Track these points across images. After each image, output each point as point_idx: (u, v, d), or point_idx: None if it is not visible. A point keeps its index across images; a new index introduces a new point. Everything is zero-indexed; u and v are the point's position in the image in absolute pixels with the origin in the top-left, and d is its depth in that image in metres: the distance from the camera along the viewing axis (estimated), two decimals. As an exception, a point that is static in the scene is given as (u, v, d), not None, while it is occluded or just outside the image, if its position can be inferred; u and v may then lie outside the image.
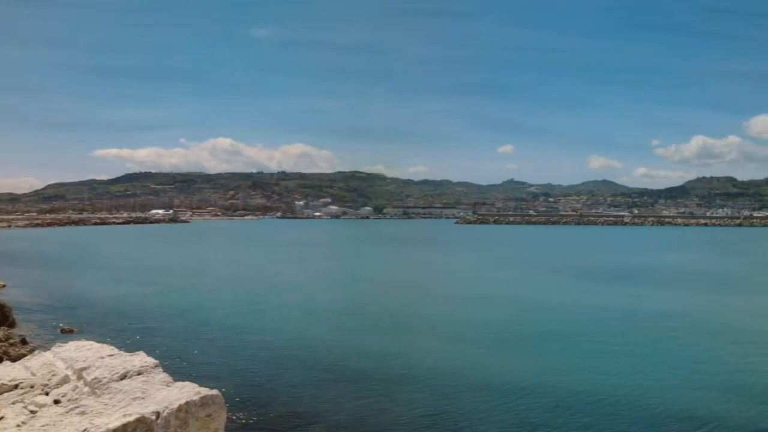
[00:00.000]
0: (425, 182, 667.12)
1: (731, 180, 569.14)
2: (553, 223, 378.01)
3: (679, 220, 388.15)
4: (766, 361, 39.65)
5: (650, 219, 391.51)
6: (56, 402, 8.92)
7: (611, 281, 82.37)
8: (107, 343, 10.90)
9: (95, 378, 9.04)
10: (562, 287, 75.32)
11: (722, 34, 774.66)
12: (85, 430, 7.84)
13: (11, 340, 40.35)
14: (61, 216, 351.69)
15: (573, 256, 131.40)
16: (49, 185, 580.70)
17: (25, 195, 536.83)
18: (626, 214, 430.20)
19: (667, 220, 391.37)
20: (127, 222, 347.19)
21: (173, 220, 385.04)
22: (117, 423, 7.86)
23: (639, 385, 33.96)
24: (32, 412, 8.69)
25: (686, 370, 37.26)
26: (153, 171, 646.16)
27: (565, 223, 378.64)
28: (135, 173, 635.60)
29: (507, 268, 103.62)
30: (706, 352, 42.07)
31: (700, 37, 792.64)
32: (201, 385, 8.84)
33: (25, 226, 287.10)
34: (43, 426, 8.17)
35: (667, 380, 34.83)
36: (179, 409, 8.15)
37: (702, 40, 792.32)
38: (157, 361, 9.74)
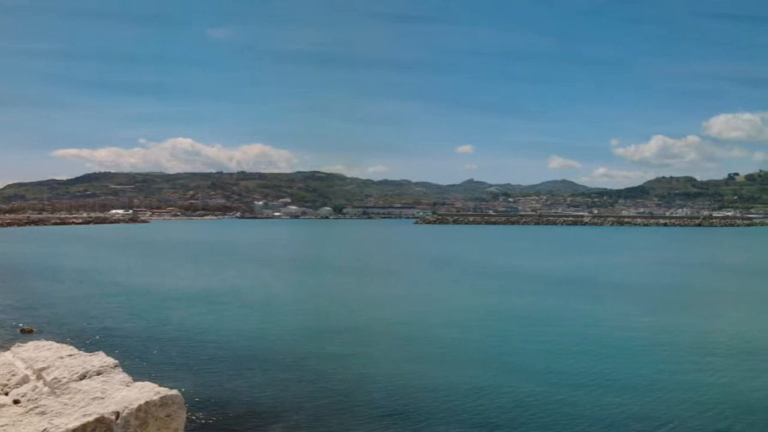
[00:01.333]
0: (385, 182, 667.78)
1: (691, 180, 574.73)
2: (513, 223, 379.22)
3: (639, 221, 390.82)
4: (725, 361, 39.99)
5: (610, 219, 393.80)
6: (16, 402, 8.93)
7: (571, 283, 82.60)
8: (67, 344, 10.93)
9: (55, 378, 9.06)
10: (521, 289, 75.41)
11: (681, 34, 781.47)
12: (44, 430, 7.87)
13: (-32, 341, 40.03)
14: (20, 216, 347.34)
15: (530, 256, 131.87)
16: (8, 185, 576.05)
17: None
18: (586, 214, 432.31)
19: (626, 220, 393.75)
20: (86, 222, 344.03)
21: (133, 220, 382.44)
22: (77, 423, 7.88)
23: (598, 385, 34.07)
24: (-9, 412, 8.69)
25: (646, 371, 37.35)
26: (113, 171, 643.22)
27: (525, 223, 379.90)
28: (95, 173, 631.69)
29: (464, 268, 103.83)
30: (666, 353, 42.30)
31: (660, 36, 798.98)
32: (161, 385, 8.91)
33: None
34: (2, 426, 8.18)
35: (626, 381, 34.97)
36: (139, 409, 8.19)
37: (662, 40, 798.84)
38: (116, 361, 9.79)
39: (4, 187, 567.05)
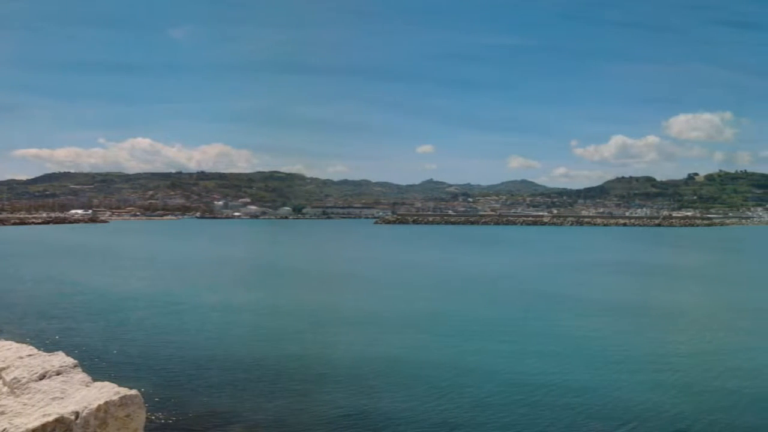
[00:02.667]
0: (344, 182, 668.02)
1: (650, 180, 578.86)
2: (473, 223, 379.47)
3: (599, 220, 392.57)
4: (684, 361, 40.29)
5: (569, 219, 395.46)
6: (-25, 402, 8.94)
7: (532, 281, 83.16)
8: (26, 344, 10.95)
9: (14, 378, 9.09)
10: (480, 290, 75.53)
11: (641, 34, 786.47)
12: (4, 430, 7.91)
13: (-75, 341, 39.64)
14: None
15: (496, 254, 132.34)
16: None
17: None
18: (545, 214, 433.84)
19: (586, 220, 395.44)
20: (46, 222, 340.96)
21: (92, 220, 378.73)
22: (36, 423, 7.92)
23: (558, 386, 34.24)
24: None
25: (607, 370, 37.69)
26: (72, 171, 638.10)
27: (484, 223, 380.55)
28: (54, 173, 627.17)
29: (425, 267, 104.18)
30: (627, 352, 42.58)
31: (620, 37, 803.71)
32: (120, 385, 8.97)
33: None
34: (-38, 426, 8.20)
35: (585, 381, 35.18)
36: (98, 409, 8.23)
37: (621, 39, 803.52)
38: (76, 361, 9.83)
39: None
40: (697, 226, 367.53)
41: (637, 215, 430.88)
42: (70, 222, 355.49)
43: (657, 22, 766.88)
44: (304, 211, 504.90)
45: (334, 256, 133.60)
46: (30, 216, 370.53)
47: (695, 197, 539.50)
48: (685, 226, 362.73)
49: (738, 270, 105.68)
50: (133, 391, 8.94)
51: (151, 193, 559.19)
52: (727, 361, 40.14)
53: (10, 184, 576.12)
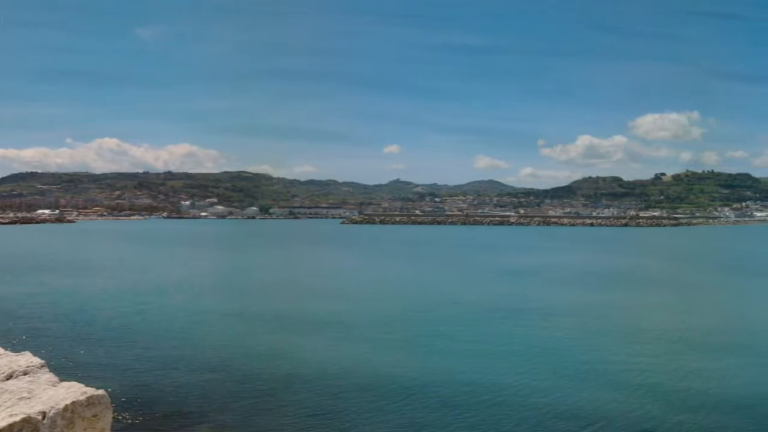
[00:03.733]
0: (311, 182, 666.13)
1: (617, 180, 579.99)
2: (439, 223, 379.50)
3: (566, 220, 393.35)
4: (652, 360, 40.72)
5: (536, 219, 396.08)
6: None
7: (497, 282, 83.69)
8: (-7, 344, 10.97)
9: (-19, 379, 9.13)
10: (447, 288, 75.95)
11: (608, 33, 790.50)
12: (-29, 430, 7.95)
13: None
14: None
15: (461, 255, 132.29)
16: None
17: None
18: (512, 214, 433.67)
19: (553, 220, 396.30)
20: (12, 222, 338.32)
21: (59, 220, 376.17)
22: (3, 423, 7.98)
23: (525, 385, 34.53)
24: None
25: (572, 371, 37.87)
26: (39, 171, 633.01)
27: (451, 223, 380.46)
28: (21, 173, 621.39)
29: (392, 268, 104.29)
30: (592, 352, 42.87)
31: (587, 37, 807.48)
32: (87, 385, 9.02)
33: None
34: (-72, 427, 8.24)
35: (551, 381, 35.42)
36: (65, 409, 8.29)
37: (589, 41, 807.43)
38: (43, 361, 9.88)
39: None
40: (664, 226, 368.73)
41: (604, 215, 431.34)
42: (37, 222, 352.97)
43: (624, 22, 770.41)
44: (271, 211, 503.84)
45: (301, 258, 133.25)
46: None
47: (662, 197, 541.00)
48: (652, 226, 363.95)
49: (698, 273, 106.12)
50: (101, 391, 8.99)
51: (118, 193, 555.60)
52: (693, 362, 40.50)
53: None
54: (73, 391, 8.87)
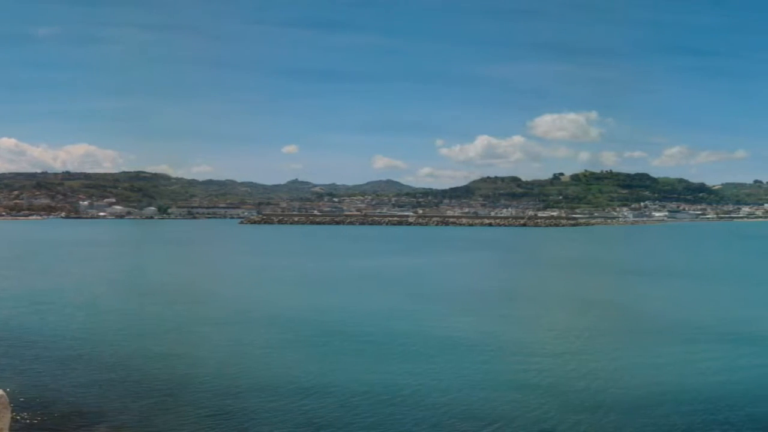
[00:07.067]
0: (210, 182, 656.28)
1: (516, 180, 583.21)
2: (338, 223, 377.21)
3: (464, 220, 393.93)
4: (549, 361, 41.39)
5: (435, 219, 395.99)
6: None
7: (393, 283, 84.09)
8: None
9: None
10: (344, 289, 76.54)
11: (503, 32, 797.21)
12: None
13: None
14: None
15: (360, 256, 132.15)
16: None
17: None
18: (411, 214, 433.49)
19: (451, 220, 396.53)
20: None
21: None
22: None
23: (423, 385, 34.97)
24: None
25: (471, 371, 38.39)
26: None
27: (350, 223, 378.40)
28: None
29: (289, 269, 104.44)
30: (491, 353, 43.42)
31: (484, 37, 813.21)
32: (-14, 385, 9.60)
33: None
34: None
35: (450, 381, 35.88)
36: (-34, 408, 8.86)
37: (485, 41, 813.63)
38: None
39: None
40: (563, 226, 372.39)
41: (502, 215, 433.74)
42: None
43: (515, 22, 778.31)
44: (169, 211, 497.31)
45: (199, 258, 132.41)
46: None
47: (561, 197, 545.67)
48: (551, 226, 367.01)
49: (594, 275, 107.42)
50: None
51: (16, 193, 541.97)
52: (591, 362, 41.31)
53: None
54: (-27, 391, 9.46)
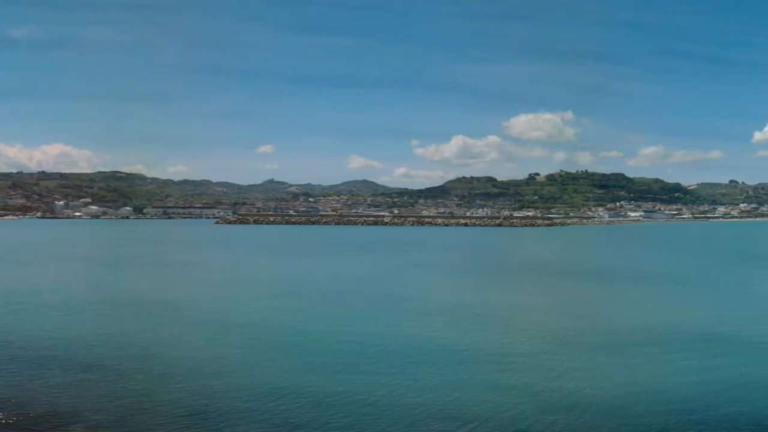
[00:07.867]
0: (185, 182, 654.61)
1: (491, 180, 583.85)
2: (314, 223, 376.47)
3: (440, 220, 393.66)
4: (525, 361, 41.47)
5: (410, 219, 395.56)
6: None
7: (374, 281, 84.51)
8: None
9: None
10: (320, 288, 76.68)
11: (481, 34, 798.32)
12: None
13: None
14: None
15: (335, 257, 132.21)
16: None
17: None
18: (386, 214, 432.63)
19: (427, 220, 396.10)
20: None
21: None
22: None
23: (399, 385, 35.06)
24: None
25: (447, 371, 38.51)
26: None
27: (326, 223, 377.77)
28: None
29: (266, 269, 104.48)
30: (466, 352, 43.63)
31: (460, 37, 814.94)
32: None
33: None
34: None
35: (426, 381, 35.98)
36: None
37: (462, 42, 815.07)
38: None
39: None
40: (538, 226, 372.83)
41: (478, 215, 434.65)
42: None
43: (496, 23, 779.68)
44: (144, 211, 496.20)
45: (174, 258, 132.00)
46: None
47: (536, 197, 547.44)
48: (526, 226, 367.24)
49: (567, 276, 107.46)
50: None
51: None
52: (566, 362, 41.44)
53: None
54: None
